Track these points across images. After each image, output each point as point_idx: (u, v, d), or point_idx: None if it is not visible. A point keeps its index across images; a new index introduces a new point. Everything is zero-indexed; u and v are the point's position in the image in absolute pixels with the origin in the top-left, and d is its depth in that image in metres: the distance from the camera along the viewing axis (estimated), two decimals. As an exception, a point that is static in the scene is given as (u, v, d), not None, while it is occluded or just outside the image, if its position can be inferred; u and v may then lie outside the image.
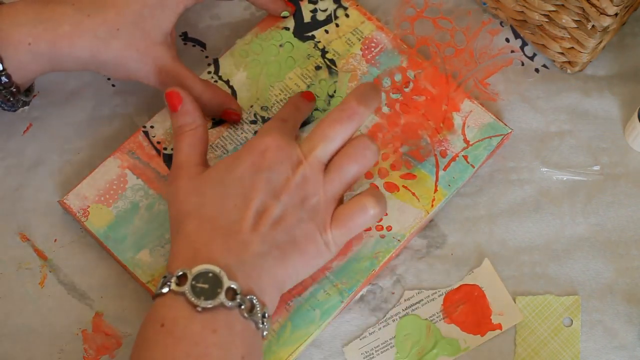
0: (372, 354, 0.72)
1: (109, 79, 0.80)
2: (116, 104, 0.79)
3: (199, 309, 0.62)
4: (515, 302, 0.74)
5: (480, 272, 0.74)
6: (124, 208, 0.74)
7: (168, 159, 0.76)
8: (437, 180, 0.75)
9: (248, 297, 0.63)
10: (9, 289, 0.74)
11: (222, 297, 0.62)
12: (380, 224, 0.74)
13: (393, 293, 0.74)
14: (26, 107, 0.74)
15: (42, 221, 0.75)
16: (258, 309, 0.64)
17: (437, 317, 0.73)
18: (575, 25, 0.75)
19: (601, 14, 0.72)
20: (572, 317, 0.73)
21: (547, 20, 0.77)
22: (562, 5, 0.74)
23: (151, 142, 0.76)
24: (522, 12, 0.78)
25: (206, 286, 0.62)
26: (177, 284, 0.63)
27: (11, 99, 0.71)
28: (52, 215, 0.75)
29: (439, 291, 0.74)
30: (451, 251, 0.75)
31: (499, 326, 0.73)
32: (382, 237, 0.74)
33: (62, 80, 0.72)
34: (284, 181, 0.67)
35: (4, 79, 0.69)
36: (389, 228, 0.74)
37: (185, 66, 0.74)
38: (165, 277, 0.64)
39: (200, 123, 0.70)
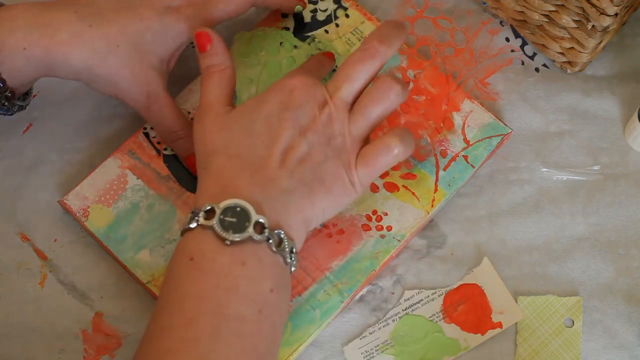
0: (372, 353, 0.72)
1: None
2: (116, 104, 0.79)
3: (228, 242, 0.61)
4: (516, 302, 0.74)
5: (479, 271, 0.74)
6: (124, 208, 0.74)
7: (168, 160, 0.76)
8: (437, 180, 0.75)
9: (276, 231, 0.63)
10: (9, 289, 0.74)
11: (250, 230, 0.62)
12: (380, 223, 0.74)
13: (393, 293, 0.74)
14: (23, 110, 0.73)
15: (42, 221, 0.75)
16: (286, 243, 0.63)
17: (437, 317, 0.73)
18: (575, 25, 0.75)
19: (601, 14, 0.72)
20: (573, 318, 0.73)
21: (547, 20, 0.77)
22: (562, 5, 0.74)
23: (151, 143, 0.76)
24: (522, 12, 0.78)
25: (234, 220, 0.62)
26: (206, 218, 0.62)
27: (6, 104, 0.70)
28: (52, 215, 0.75)
29: (439, 291, 0.74)
30: (451, 251, 0.75)
31: (499, 324, 0.73)
32: (382, 237, 0.74)
33: (62, 81, 0.72)
34: (311, 120, 0.67)
35: None
36: (389, 228, 0.74)
37: (172, 98, 0.73)
38: (193, 212, 0.63)
39: (229, 65, 0.70)
